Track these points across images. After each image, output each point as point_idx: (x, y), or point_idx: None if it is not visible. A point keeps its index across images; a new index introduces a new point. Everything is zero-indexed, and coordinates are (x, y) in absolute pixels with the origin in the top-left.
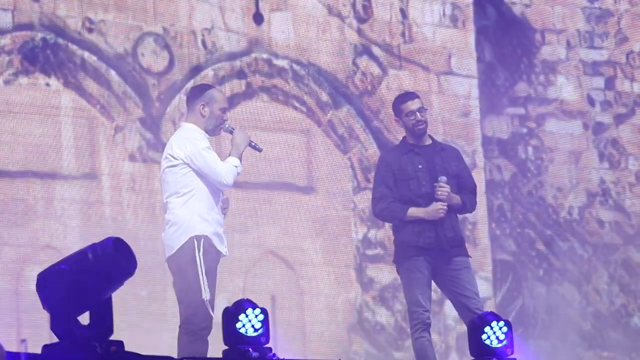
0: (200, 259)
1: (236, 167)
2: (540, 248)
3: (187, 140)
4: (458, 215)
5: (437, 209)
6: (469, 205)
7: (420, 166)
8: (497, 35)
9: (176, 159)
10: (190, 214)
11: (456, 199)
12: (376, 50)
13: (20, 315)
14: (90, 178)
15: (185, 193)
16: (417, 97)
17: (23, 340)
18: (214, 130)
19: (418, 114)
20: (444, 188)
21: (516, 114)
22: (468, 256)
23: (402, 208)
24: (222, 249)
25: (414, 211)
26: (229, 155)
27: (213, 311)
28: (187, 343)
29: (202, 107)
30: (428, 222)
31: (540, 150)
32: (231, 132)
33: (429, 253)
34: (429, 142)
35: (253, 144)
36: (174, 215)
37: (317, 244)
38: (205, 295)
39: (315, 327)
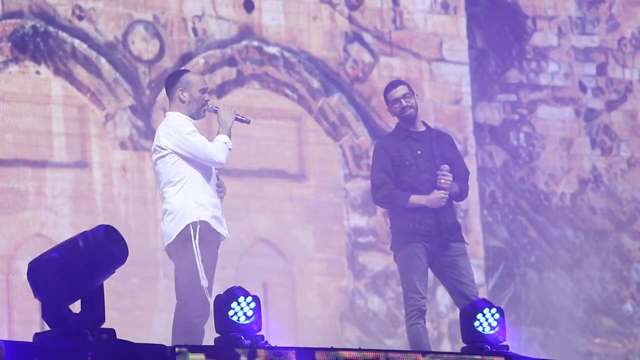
0: (196, 246)
1: (226, 143)
2: (532, 235)
3: (172, 128)
4: (457, 202)
5: (439, 197)
6: (465, 192)
7: (419, 152)
8: (488, 21)
9: (164, 149)
10: (186, 201)
11: (455, 187)
12: (367, 38)
13: (12, 303)
14: (80, 166)
15: (178, 181)
16: (402, 83)
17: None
18: (197, 113)
19: (403, 100)
20: (447, 176)
21: (508, 101)
22: (464, 242)
23: (403, 195)
24: (222, 231)
25: (415, 199)
26: (217, 134)
27: (210, 298)
28: (181, 330)
29: (180, 92)
30: (429, 209)
31: (532, 136)
32: (215, 111)
33: (429, 240)
34: (423, 128)
35: (239, 117)
36: (170, 204)
37: (308, 231)
38: (204, 282)
39: (307, 314)
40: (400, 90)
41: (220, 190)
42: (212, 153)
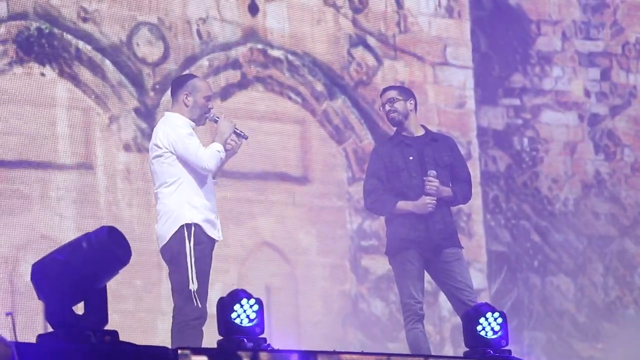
0: (190, 248)
1: (219, 152)
2: (535, 239)
3: (170, 127)
4: (452, 206)
5: (425, 203)
6: (461, 196)
7: (411, 158)
8: (492, 25)
9: (161, 148)
10: (179, 203)
11: (446, 191)
12: (371, 41)
13: (15, 304)
14: (85, 168)
15: (173, 182)
16: (393, 88)
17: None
18: (199, 119)
19: (387, 104)
20: (432, 182)
21: (511, 105)
22: (460, 247)
23: (391, 201)
24: (215, 234)
25: (402, 204)
26: (213, 142)
27: (205, 299)
28: (179, 333)
29: (185, 96)
30: (418, 215)
31: (535, 141)
32: (216, 121)
33: (420, 246)
34: (420, 132)
35: (238, 131)
36: (164, 205)
37: (311, 234)
38: (193, 285)
39: (309, 317)
40: (387, 95)
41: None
42: (204, 159)
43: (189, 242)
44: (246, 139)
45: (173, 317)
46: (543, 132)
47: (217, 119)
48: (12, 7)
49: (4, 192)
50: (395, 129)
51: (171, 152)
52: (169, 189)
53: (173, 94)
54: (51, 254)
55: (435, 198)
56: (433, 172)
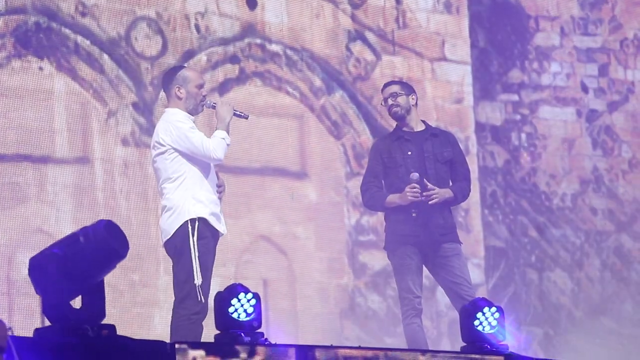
0: (194, 243)
1: (223, 139)
2: (533, 235)
3: (171, 124)
4: (452, 206)
5: (405, 193)
6: (460, 195)
7: (409, 153)
8: (491, 21)
9: (163, 145)
10: (184, 198)
11: (447, 192)
12: (370, 36)
13: (12, 299)
14: (82, 162)
15: (177, 178)
16: (394, 83)
17: (8, 329)
18: (195, 109)
19: (389, 99)
20: (415, 189)
21: (510, 101)
22: (459, 242)
23: (384, 197)
24: (220, 227)
25: (391, 198)
26: (215, 130)
27: (207, 295)
28: (179, 327)
29: (177, 89)
30: (417, 210)
31: (533, 137)
32: (213, 107)
33: (418, 240)
34: (421, 127)
35: (238, 112)
36: (169, 200)
37: (309, 229)
38: (198, 280)
39: (307, 312)
40: (389, 90)
41: (219, 189)
42: (210, 149)
43: (193, 237)
44: (247, 118)
45: (173, 310)
46: (541, 128)
47: (214, 105)
48: (10, 1)
49: (1, 186)
50: (396, 124)
51: (174, 149)
52: (173, 184)
53: (165, 89)
54: (48, 248)
55: (416, 187)
56: (415, 175)
